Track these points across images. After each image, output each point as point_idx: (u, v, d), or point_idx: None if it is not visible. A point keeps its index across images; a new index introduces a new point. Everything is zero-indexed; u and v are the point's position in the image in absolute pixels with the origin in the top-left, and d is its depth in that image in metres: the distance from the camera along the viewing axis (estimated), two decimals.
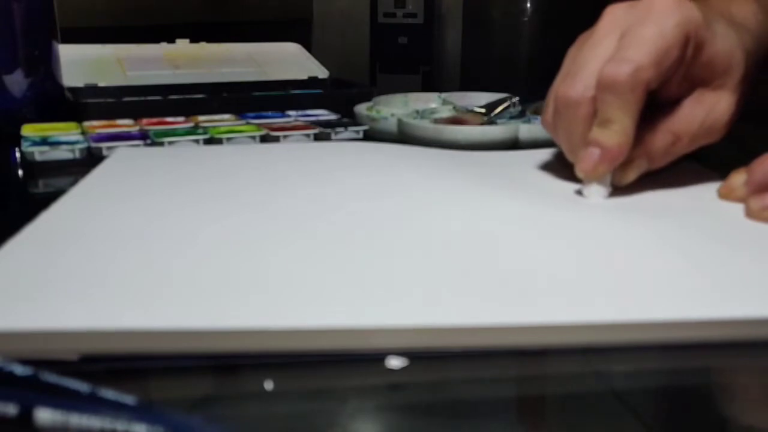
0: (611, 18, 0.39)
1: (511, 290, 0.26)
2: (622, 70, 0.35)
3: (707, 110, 0.38)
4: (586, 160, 0.37)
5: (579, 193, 0.38)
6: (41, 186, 0.45)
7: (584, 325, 0.24)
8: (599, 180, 0.37)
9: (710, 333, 0.24)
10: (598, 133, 0.36)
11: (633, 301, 0.25)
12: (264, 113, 0.61)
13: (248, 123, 0.57)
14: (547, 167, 0.43)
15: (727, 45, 0.38)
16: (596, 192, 0.37)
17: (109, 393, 0.18)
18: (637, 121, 0.36)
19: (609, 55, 0.37)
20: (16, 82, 0.55)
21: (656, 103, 0.38)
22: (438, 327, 0.23)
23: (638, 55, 0.36)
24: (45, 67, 0.57)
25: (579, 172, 0.37)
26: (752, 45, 0.39)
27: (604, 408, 0.22)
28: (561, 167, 0.42)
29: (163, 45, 0.81)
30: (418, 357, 0.23)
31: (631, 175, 0.38)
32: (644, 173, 0.39)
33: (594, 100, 0.37)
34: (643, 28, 0.36)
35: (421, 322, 0.23)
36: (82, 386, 0.19)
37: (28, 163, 0.47)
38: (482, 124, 0.54)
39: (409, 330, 0.23)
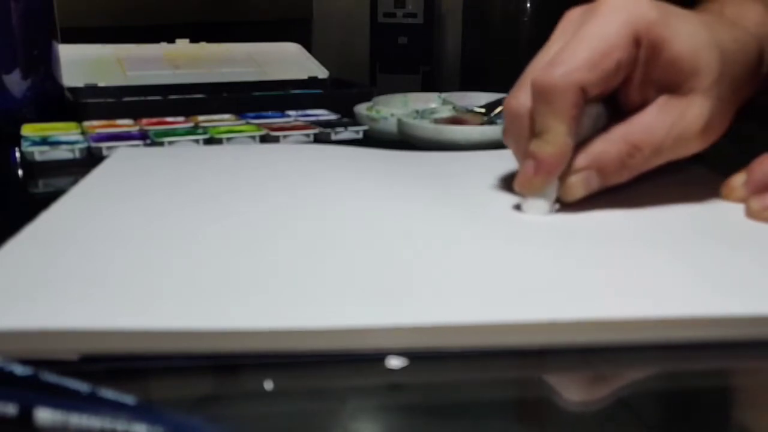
0: (564, 22, 0.37)
1: (510, 290, 0.26)
2: (550, 75, 0.33)
3: (674, 118, 0.34)
4: (520, 173, 0.34)
5: (518, 208, 0.35)
6: (41, 186, 0.45)
7: (584, 325, 0.24)
8: (538, 194, 0.34)
9: (710, 332, 0.24)
10: (533, 144, 0.34)
11: (633, 301, 0.25)
12: (264, 113, 0.61)
13: (248, 123, 0.57)
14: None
15: (691, 44, 0.34)
16: (535, 207, 0.34)
17: (109, 393, 0.18)
18: (575, 129, 0.33)
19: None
20: (16, 82, 0.55)
21: (618, 113, 0.36)
22: (438, 326, 0.23)
23: (570, 58, 0.33)
24: (45, 67, 0.57)
25: (515, 187, 0.35)
26: (742, 44, 0.36)
27: (604, 409, 0.22)
28: None
29: (163, 45, 0.81)
30: (418, 357, 0.23)
31: (578, 190, 0.35)
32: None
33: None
34: (584, 29, 0.34)
35: (420, 322, 0.23)
36: (82, 386, 0.19)
37: (28, 163, 0.47)
38: (482, 124, 0.54)
39: (409, 329, 0.23)
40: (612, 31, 0.33)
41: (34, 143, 0.48)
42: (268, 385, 0.22)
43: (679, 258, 0.30)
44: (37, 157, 0.47)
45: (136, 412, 0.18)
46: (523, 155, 0.35)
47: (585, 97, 0.33)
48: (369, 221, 0.33)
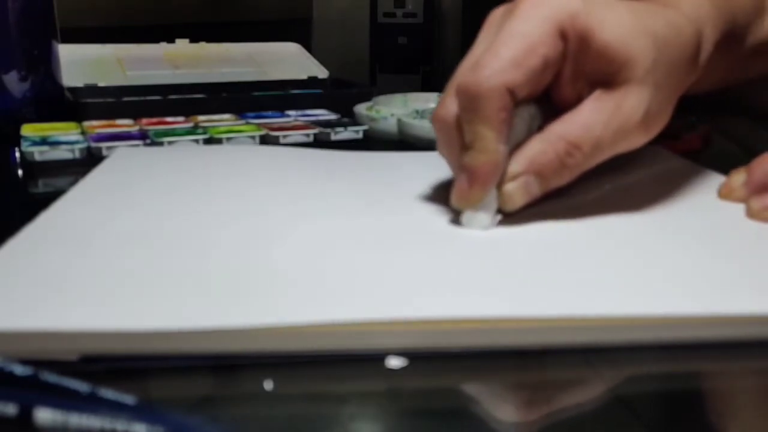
0: (487, 23, 0.35)
1: (510, 289, 0.26)
2: (474, 79, 0.31)
3: (611, 111, 0.32)
4: (455, 187, 0.32)
5: (458, 222, 0.32)
6: (41, 186, 0.45)
7: (584, 324, 0.24)
8: (477, 207, 0.32)
9: (710, 332, 0.24)
10: (465, 155, 0.32)
11: (633, 300, 0.25)
12: (264, 113, 0.61)
13: (248, 123, 0.57)
14: None
15: (620, 32, 0.32)
16: (475, 221, 0.32)
17: (109, 393, 0.18)
18: (507, 134, 0.31)
19: None
20: (16, 82, 0.55)
21: (554, 112, 0.34)
22: (437, 325, 0.23)
23: (493, 59, 0.31)
24: (45, 67, 0.57)
25: (452, 202, 0.33)
26: (676, 28, 0.34)
27: (604, 409, 0.22)
28: None
29: (163, 45, 0.81)
30: (418, 357, 0.23)
31: (518, 197, 0.32)
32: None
33: None
34: (506, 28, 0.32)
35: (420, 320, 0.23)
36: (81, 386, 0.19)
37: (28, 163, 0.47)
38: None
39: (409, 329, 0.23)
40: (535, 27, 0.32)
41: (34, 143, 0.48)
42: (268, 385, 0.22)
43: (678, 258, 0.30)
44: (37, 157, 0.47)
45: (136, 412, 0.18)
46: (456, 167, 0.33)
47: (514, 99, 0.31)
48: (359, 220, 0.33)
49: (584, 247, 0.31)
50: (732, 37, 0.39)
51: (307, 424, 0.21)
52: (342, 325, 0.23)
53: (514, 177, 0.32)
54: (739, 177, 0.36)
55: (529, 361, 0.24)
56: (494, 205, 0.32)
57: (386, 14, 1.84)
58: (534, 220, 0.33)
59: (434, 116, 0.34)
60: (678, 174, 0.41)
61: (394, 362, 0.23)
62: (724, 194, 0.37)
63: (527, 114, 0.33)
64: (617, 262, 0.29)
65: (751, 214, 0.34)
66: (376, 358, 0.23)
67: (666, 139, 0.51)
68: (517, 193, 0.32)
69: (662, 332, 0.24)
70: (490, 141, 0.31)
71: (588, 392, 0.23)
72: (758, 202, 0.34)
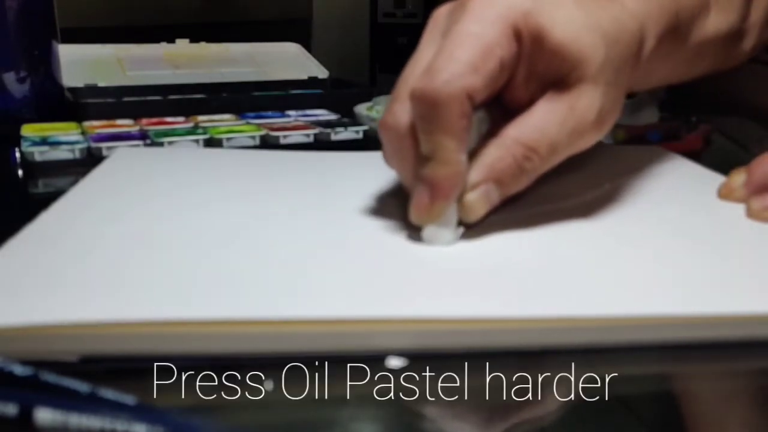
0: (432, 23, 0.33)
1: (510, 290, 0.26)
2: (432, 85, 0.29)
3: (566, 111, 0.31)
4: (415, 203, 0.30)
5: (419, 238, 0.30)
6: (41, 186, 0.45)
7: (584, 324, 0.24)
8: (438, 222, 0.30)
9: (711, 332, 0.24)
10: (424, 168, 0.30)
11: (633, 300, 0.25)
12: (264, 113, 0.61)
13: (248, 123, 0.57)
14: None
15: (572, 30, 0.31)
16: (439, 236, 0.30)
17: (109, 393, 0.18)
18: (467, 142, 0.30)
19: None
20: (16, 82, 0.55)
21: (504, 115, 0.32)
22: (437, 326, 0.23)
23: (450, 63, 0.29)
24: (45, 67, 0.57)
25: (411, 218, 0.30)
26: (621, 23, 0.32)
27: (604, 409, 0.22)
28: None
29: (163, 45, 0.81)
30: (418, 357, 0.23)
31: (479, 208, 0.31)
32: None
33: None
34: (458, 29, 0.30)
35: (418, 317, 0.23)
36: (81, 386, 0.19)
37: (28, 163, 0.47)
38: None
39: (409, 330, 0.23)
40: (488, 28, 0.30)
41: (34, 143, 0.48)
42: (268, 385, 0.22)
43: (678, 258, 0.30)
44: (37, 158, 0.47)
45: (136, 412, 0.18)
46: (410, 180, 0.31)
47: (473, 105, 0.30)
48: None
49: (584, 247, 0.31)
50: (675, 33, 0.37)
51: (306, 424, 0.21)
52: (343, 322, 0.23)
53: (474, 186, 0.30)
54: (739, 177, 0.36)
55: (529, 360, 0.24)
56: (455, 218, 0.30)
57: (386, 14, 1.83)
58: (534, 220, 0.33)
59: (382, 124, 0.32)
60: (678, 174, 0.41)
61: (394, 362, 0.23)
62: (724, 194, 0.37)
63: (476, 118, 0.31)
64: (617, 262, 0.29)
65: (751, 214, 0.34)
66: (376, 359, 0.23)
67: (666, 139, 0.51)
68: (478, 203, 0.31)
69: (662, 332, 0.24)
70: (451, 151, 0.29)
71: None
72: (758, 202, 0.34)
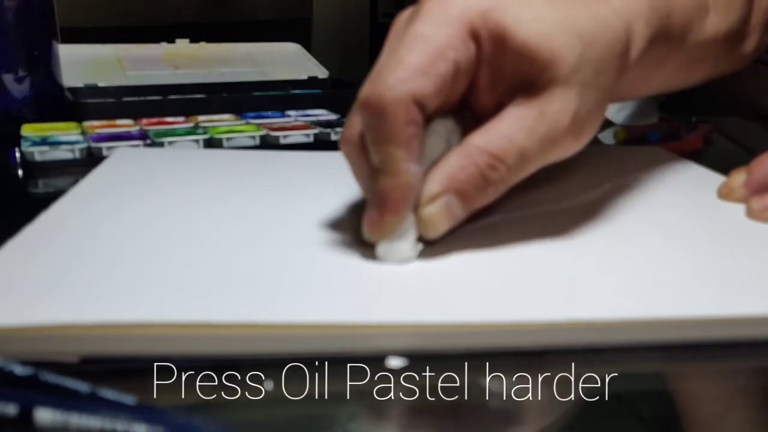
0: (394, 29, 0.31)
1: (511, 290, 0.26)
2: (375, 91, 0.27)
3: (535, 117, 0.29)
4: (365, 218, 0.28)
5: (372, 256, 0.28)
6: (41, 186, 0.45)
7: (584, 325, 0.24)
8: (392, 237, 0.28)
9: (711, 332, 0.24)
10: (373, 180, 0.28)
11: (633, 301, 0.25)
12: (264, 113, 0.61)
13: (248, 123, 0.57)
14: None
15: (539, 28, 0.29)
16: (393, 253, 0.28)
17: (109, 393, 0.18)
18: (419, 152, 0.28)
19: None
20: (16, 82, 0.55)
21: (476, 124, 0.30)
22: (438, 327, 0.23)
23: (397, 67, 0.27)
24: (45, 67, 0.57)
25: (364, 235, 0.28)
26: (603, 22, 0.30)
27: (604, 409, 0.22)
28: None
29: (163, 45, 0.81)
30: (418, 357, 0.23)
31: (440, 222, 0.28)
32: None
33: None
34: (411, 31, 0.28)
35: (420, 322, 0.23)
36: (82, 386, 0.19)
37: (28, 163, 0.47)
38: None
39: (410, 330, 0.23)
40: (442, 29, 0.28)
41: (34, 143, 0.48)
42: (268, 385, 0.22)
43: (678, 258, 0.30)
44: (37, 157, 0.47)
45: (136, 412, 0.18)
46: (367, 194, 0.30)
47: (424, 111, 0.28)
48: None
49: (584, 248, 0.30)
50: (669, 35, 0.35)
51: (306, 424, 0.21)
52: (344, 326, 0.23)
53: (433, 198, 0.28)
54: (739, 177, 0.36)
55: (529, 361, 0.24)
56: (413, 233, 0.28)
57: (386, 14, 1.83)
58: (533, 220, 0.33)
59: (341, 139, 0.30)
60: (678, 174, 0.41)
61: (394, 362, 0.23)
62: (724, 194, 0.37)
63: (444, 129, 0.30)
64: (617, 263, 0.29)
65: (751, 214, 0.34)
66: (376, 358, 0.23)
67: (666, 139, 0.51)
68: (438, 216, 0.28)
69: (662, 333, 0.24)
70: (398, 161, 0.27)
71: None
72: (758, 202, 0.34)
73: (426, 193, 0.28)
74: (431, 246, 0.30)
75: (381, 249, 0.28)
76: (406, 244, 0.28)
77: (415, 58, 0.28)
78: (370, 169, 0.28)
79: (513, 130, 0.29)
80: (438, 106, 0.29)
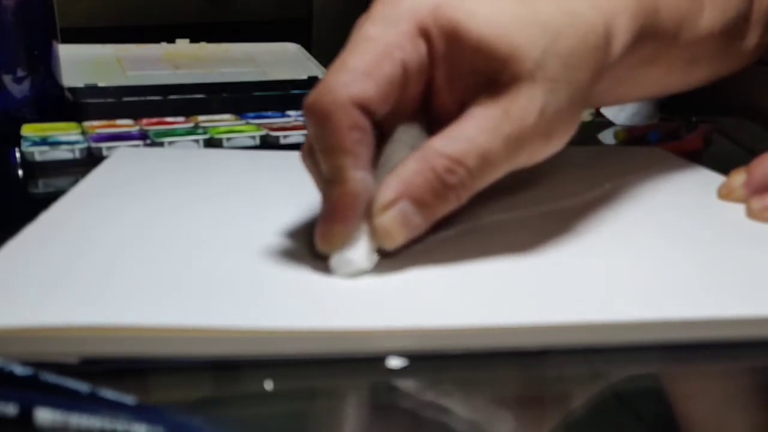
0: (352, 34, 0.30)
1: (511, 290, 0.26)
2: (316, 96, 0.26)
3: (498, 116, 0.27)
4: (316, 229, 0.27)
5: (326, 269, 0.27)
6: (41, 186, 0.45)
7: (584, 326, 0.24)
8: (344, 247, 0.26)
9: (711, 333, 0.24)
10: (322, 188, 0.27)
11: (633, 301, 0.25)
12: (264, 113, 0.61)
13: (248, 123, 0.57)
14: None
15: (497, 22, 0.27)
16: (344, 264, 0.26)
17: (109, 393, 0.18)
18: (367, 158, 0.26)
19: None
20: (16, 82, 0.55)
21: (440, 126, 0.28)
22: (438, 329, 0.23)
23: (339, 71, 0.26)
24: (45, 67, 0.57)
25: (317, 246, 0.27)
26: (574, 16, 0.29)
27: (604, 409, 0.22)
28: None
29: (163, 45, 0.81)
30: (418, 357, 0.23)
31: (396, 231, 0.27)
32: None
33: None
34: (357, 34, 0.28)
35: (421, 324, 0.23)
36: (81, 386, 0.19)
37: (28, 163, 0.47)
38: None
39: (409, 331, 0.23)
40: (388, 30, 0.27)
41: (34, 143, 0.48)
42: (268, 385, 0.22)
43: (678, 258, 0.30)
44: (37, 157, 0.47)
45: (136, 412, 0.18)
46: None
47: (371, 115, 0.26)
48: None
49: (584, 248, 0.30)
50: (659, 31, 0.33)
51: (306, 424, 0.21)
52: (347, 331, 0.23)
53: (386, 206, 0.26)
54: (739, 177, 0.36)
55: (529, 361, 0.24)
56: (366, 244, 0.27)
57: None
58: (533, 221, 0.33)
59: (300, 151, 0.29)
60: (678, 174, 0.41)
61: (394, 362, 0.23)
62: (724, 194, 0.37)
63: (408, 136, 0.29)
64: (617, 263, 0.29)
65: (751, 214, 0.34)
66: (376, 358, 0.23)
67: (666, 139, 0.51)
68: (392, 225, 0.26)
69: (662, 333, 0.24)
70: (343, 168, 0.26)
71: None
72: (758, 202, 0.34)
73: (379, 200, 0.27)
74: (430, 246, 0.30)
75: (333, 261, 0.27)
76: (358, 255, 0.26)
77: (359, 61, 0.27)
78: (323, 179, 0.27)
79: (474, 132, 0.27)
80: (392, 110, 0.28)
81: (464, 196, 0.27)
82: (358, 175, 0.26)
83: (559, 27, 0.28)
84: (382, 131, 0.29)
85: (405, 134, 0.29)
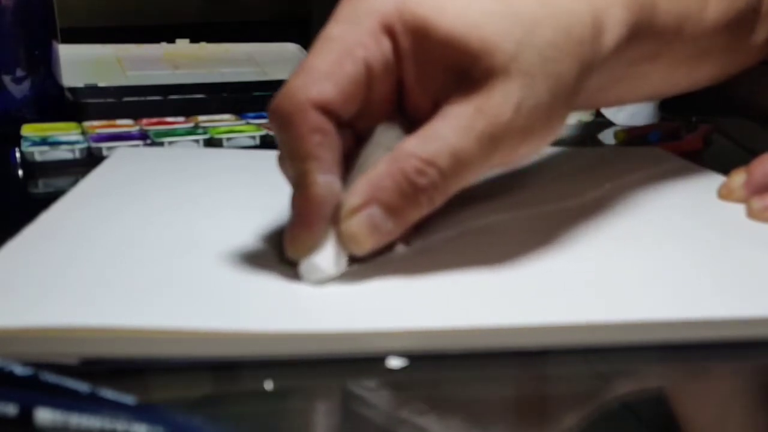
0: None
1: (510, 291, 0.26)
2: (277, 99, 0.26)
3: (471, 113, 0.26)
4: (284, 234, 0.26)
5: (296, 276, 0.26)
6: (41, 186, 0.45)
7: (584, 326, 0.24)
8: (312, 253, 0.25)
9: (711, 333, 0.24)
10: (291, 194, 0.26)
11: (632, 301, 0.25)
12: (264, 113, 0.61)
13: (248, 123, 0.57)
14: None
15: (467, 16, 0.26)
16: (311, 271, 0.25)
17: (109, 393, 0.18)
18: (333, 162, 0.26)
19: None
20: (16, 82, 0.55)
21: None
22: (438, 329, 0.23)
23: (300, 73, 0.26)
24: (45, 67, 0.57)
25: (286, 253, 0.26)
26: (555, 8, 0.27)
27: (604, 409, 0.22)
28: None
29: (163, 45, 0.81)
30: (418, 357, 0.23)
31: (364, 237, 0.26)
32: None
33: None
34: (320, 35, 0.27)
35: (421, 325, 0.23)
36: (82, 386, 0.19)
37: (28, 163, 0.47)
38: None
39: (410, 332, 0.23)
40: (351, 29, 0.26)
41: (34, 143, 0.48)
42: (268, 385, 0.22)
43: (679, 259, 0.30)
44: (37, 157, 0.47)
45: (136, 412, 0.18)
46: None
47: (333, 117, 0.26)
48: None
49: (583, 249, 0.30)
50: (658, 25, 0.32)
51: (306, 424, 0.21)
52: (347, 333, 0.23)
53: (354, 211, 0.25)
54: (739, 177, 0.36)
55: (529, 361, 0.24)
56: (333, 249, 0.26)
57: None
58: (532, 221, 0.33)
59: (277, 158, 0.28)
60: (678, 174, 0.41)
61: (394, 362, 0.23)
62: (724, 194, 0.36)
63: (386, 138, 0.28)
64: (617, 264, 0.29)
65: (751, 214, 0.34)
66: (376, 358, 0.23)
67: (666, 139, 0.51)
68: (360, 231, 0.26)
69: (663, 333, 0.24)
70: (306, 172, 0.25)
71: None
72: (758, 202, 0.34)
73: (346, 205, 0.26)
74: (431, 246, 0.30)
75: (301, 267, 0.26)
76: (326, 260, 0.25)
77: (319, 61, 0.26)
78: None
79: (445, 131, 0.26)
80: (362, 111, 0.27)
81: (438, 200, 0.26)
82: (321, 179, 0.25)
83: (537, 18, 0.27)
84: (356, 133, 0.28)
85: (382, 136, 0.28)
